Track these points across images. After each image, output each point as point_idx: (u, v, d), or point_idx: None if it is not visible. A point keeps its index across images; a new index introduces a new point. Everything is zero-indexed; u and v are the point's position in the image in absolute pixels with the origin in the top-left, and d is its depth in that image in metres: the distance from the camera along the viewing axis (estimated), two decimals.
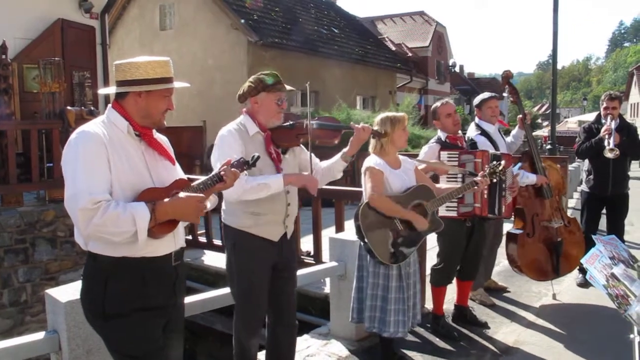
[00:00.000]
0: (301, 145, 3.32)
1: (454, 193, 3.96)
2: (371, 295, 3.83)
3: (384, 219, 3.70)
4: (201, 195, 2.32)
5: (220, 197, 2.89)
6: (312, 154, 3.35)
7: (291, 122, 3.22)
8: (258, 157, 2.52)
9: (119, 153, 2.27)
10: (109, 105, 2.42)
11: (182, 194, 2.28)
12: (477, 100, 5.30)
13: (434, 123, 4.82)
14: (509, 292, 5.76)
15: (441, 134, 4.69)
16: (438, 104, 4.74)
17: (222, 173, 2.39)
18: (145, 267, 2.33)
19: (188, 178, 2.54)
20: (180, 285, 2.55)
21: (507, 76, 5.42)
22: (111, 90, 2.40)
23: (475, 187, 3.97)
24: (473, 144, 4.74)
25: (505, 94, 5.71)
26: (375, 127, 3.49)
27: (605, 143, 5.51)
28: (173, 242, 2.44)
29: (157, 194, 2.28)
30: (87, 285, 2.37)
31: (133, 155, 2.34)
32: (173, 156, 2.56)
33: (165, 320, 2.45)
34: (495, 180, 4.06)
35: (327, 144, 3.26)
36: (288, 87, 3.20)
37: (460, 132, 4.75)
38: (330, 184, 3.52)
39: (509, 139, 5.51)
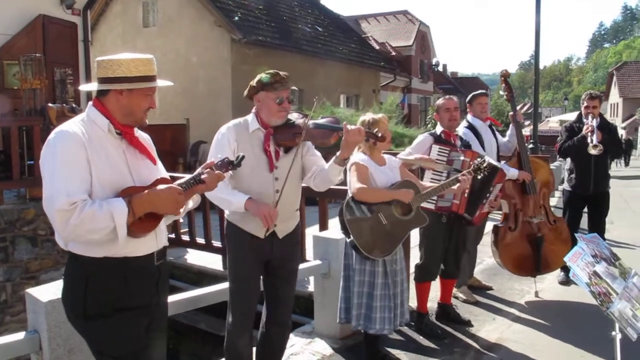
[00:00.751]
0: (310, 145, 3.31)
1: (439, 189, 3.99)
2: (358, 293, 3.83)
3: (369, 214, 3.71)
4: (178, 187, 2.29)
5: None
6: (315, 162, 3.34)
7: (292, 121, 3.21)
8: (243, 157, 2.51)
9: (98, 152, 2.24)
10: (90, 103, 2.37)
11: (160, 186, 2.26)
12: (469, 96, 5.54)
13: (434, 116, 4.93)
14: (492, 289, 5.79)
15: (438, 128, 4.74)
16: (441, 99, 4.86)
17: (202, 175, 2.37)
18: (127, 266, 2.30)
19: (170, 176, 2.51)
20: (163, 284, 2.53)
21: (505, 75, 5.76)
22: (92, 87, 2.36)
23: (458, 184, 3.99)
24: (467, 145, 4.77)
25: (501, 92, 6.06)
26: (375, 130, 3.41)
27: (589, 140, 5.57)
28: (155, 241, 2.41)
29: (137, 192, 2.25)
30: (68, 285, 2.34)
31: (113, 154, 2.30)
32: (155, 155, 2.53)
33: (148, 320, 2.43)
34: (479, 177, 4.08)
35: (324, 145, 3.23)
36: (292, 87, 3.19)
37: (457, 130, 4.80)
38: None
39: (505, 138, 5.61)
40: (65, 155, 2.16)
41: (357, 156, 3.84)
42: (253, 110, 3.25)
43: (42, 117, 7.53)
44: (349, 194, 3.76)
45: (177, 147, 12.78)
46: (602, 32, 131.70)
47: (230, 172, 2.55)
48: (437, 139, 4.64)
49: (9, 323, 6.97)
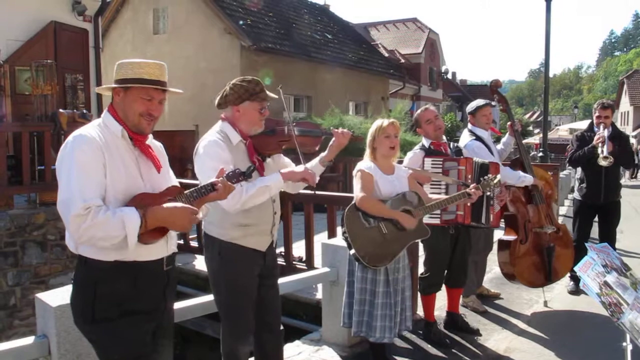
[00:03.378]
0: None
1: (444, 202, 3.95)
2: (359, 300, 3.83)
3: (370, 224, 3.71)
4: (195, 208, 2.31)
5: None
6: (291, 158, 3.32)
7: (271, 129, 3.15)
8: (254, 168, 2.53)
9: (114, 157, 2.27)
10: (106, 109, 2.41)
11: (177, 203, 2.27)
12: (471, 107, 5.33)
13: (417, 131, 4.83)
14: (501, 299, 5.76)
15: (425, 141, 4.68)
16: (418, 111, 4.77)
17: (215, 184, 2.38)
18: (136, 271, 2.32)
19: (180, 183, 2.53)
20: (170, 290, 2.54)
21: (496, 85, 5.58)
22: (101, 89, 2.44)
23: (468, 199, 3.96)
24: (458, 151, 4.74)
25: (494, 103, 5.74)
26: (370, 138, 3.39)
27: (599, 151, 5.53)
28: (165, 247, 2.42)
29: (149, 199, 2.27)
30: (77, 289, 2.35)
31: (127, 159, 2.33)
32: (167, 163, 2.55)
33: (155, 325, 2.43)
34: (489, 194, 4.07)
35: (309, 151, 3.22)
36: (271, 95, 3.11)
37: (444, 138, 4.74)
38: (322, 189, 3.49)
39: (499, 146, 5.54)
40: (83, 159, 2.19)
41: (363, 164, 3.84)
42: (223, 119, 3.15)
43: (53, 123, 7.56)
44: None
45: (186, 153, 12.77)
46: (613, 40, 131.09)
47: (241, 183, 2.55)
48: (428, 152, 4.57)
49: (18, 327, 7.00)
